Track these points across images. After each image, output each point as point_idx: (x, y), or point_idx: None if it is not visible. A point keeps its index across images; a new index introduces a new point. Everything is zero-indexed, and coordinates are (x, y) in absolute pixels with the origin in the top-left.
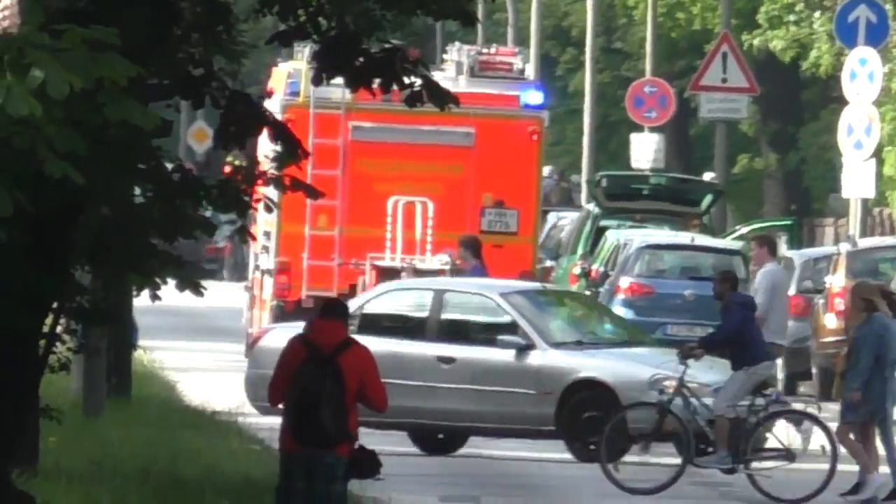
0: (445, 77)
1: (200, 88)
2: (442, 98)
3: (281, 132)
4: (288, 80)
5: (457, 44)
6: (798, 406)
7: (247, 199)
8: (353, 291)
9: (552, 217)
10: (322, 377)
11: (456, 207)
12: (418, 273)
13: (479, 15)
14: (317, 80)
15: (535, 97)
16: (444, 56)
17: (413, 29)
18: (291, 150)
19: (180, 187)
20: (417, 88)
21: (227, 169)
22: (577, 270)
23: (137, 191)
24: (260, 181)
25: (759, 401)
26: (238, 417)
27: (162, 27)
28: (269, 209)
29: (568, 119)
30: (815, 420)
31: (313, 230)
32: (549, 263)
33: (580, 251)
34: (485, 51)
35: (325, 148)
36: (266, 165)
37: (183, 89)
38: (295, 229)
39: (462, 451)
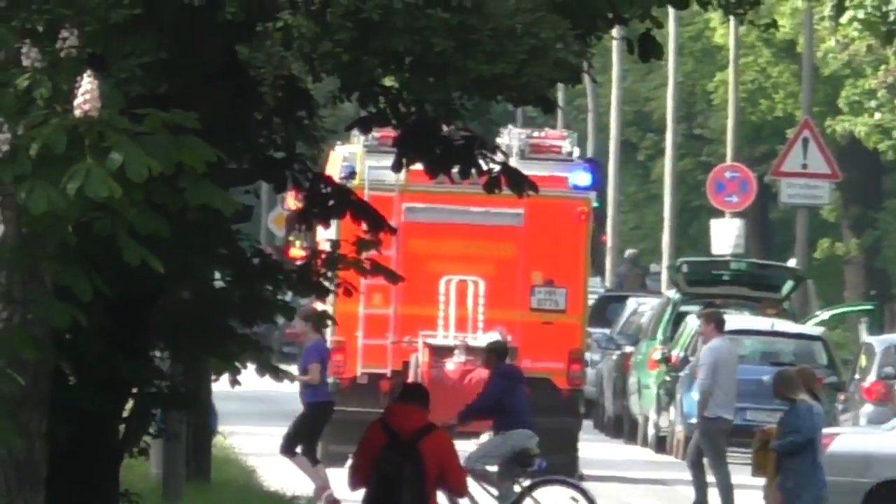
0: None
1: (282, 171)
2: (520, 184)
3: (366, 213)
4: (343, 163)
5: (509, 127)
6: (560, 476)
7: (327, 283)
8: (405, 369)
9: (632, 303)
10: (401, 462)
11: (506, 286)
12: (470, 351)
13: (560, 101)
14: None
15: (583, 178)
16: (497, 139)
17: (492, 117)
18: (377, 229)
19: (260, 271)
20: (495, 174)
21: (295, 251)
22: (657, 356)
23: (217, 275)
24: (340, 265)
25: (520, 470)
26: (317, 503)
27: (243, 112)
28: (348, 293)
29: (647, 204)
30: (579, 490)
31: (368, 309)
32: (628, 349)
33: (660, 336)
34: (535, 134)
35: None
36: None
37: (265, 172)
38: (350, 308)
39: None
